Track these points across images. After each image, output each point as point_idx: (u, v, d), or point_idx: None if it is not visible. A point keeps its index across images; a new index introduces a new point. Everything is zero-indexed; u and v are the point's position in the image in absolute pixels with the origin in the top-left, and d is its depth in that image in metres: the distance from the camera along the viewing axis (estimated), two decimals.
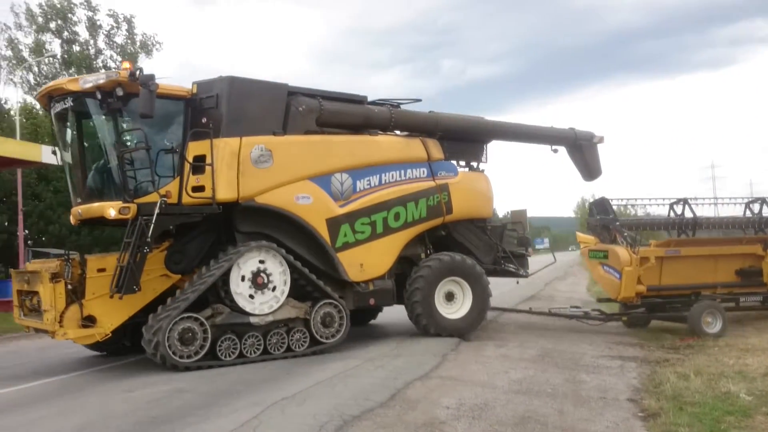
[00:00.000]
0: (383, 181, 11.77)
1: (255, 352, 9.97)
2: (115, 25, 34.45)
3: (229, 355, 9.76)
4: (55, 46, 33.48)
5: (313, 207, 10.83)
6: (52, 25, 33.30)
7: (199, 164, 10.02)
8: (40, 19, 33.00)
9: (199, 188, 10.00)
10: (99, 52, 34.13)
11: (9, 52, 33.35)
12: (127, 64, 9.67)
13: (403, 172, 12.03)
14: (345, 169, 11.32)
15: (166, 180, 9.96)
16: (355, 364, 9.37)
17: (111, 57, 34.14)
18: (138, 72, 9.40)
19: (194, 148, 10.08)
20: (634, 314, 13.91)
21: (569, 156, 15.20)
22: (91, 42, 33.91)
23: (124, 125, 10.12)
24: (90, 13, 33.69)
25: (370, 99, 12.43)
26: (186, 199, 9.94)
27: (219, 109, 10.31)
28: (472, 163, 13.56)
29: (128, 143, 10.12)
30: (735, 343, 11.35)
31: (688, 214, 14.19)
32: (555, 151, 15.00)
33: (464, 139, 13.23)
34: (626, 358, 10.41)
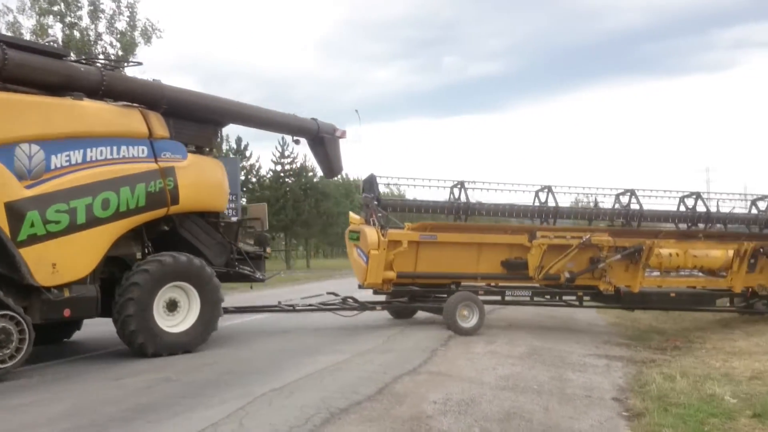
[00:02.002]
0: (89, 159, 9.49)
1: None
2: (117, 10, 34.27)
3: None
4: (56, 29, 33.27)
5: None
6: (56, 8, 33.11)
7: None
8: (43, 2, 32.79)
9: None
10: (99, 37, 33.96)
11: (10, 35, 33.13)
12: None
13: (116, 148, 9.81)
14: (35, 139, 8.92)
15: None
16: (344, 358, 9.41)
17: (111, 43, 33.98)
18: None
19: None
20: (395, 304, 13.26)
21: (311, 149, 13.84)
22: (92, 27, 33.74)
23: None
24: None
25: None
26: None
27: None
28: (204, 148, 11.48)
29: None
30: (722, 346, 11.44)
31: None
32: (297, 141, 13.51)
33: (196, 118, 11.17)
34: (613, 357, 10.48)
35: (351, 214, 14.48)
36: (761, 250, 13.79)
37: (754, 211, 15.10)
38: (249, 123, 12.67)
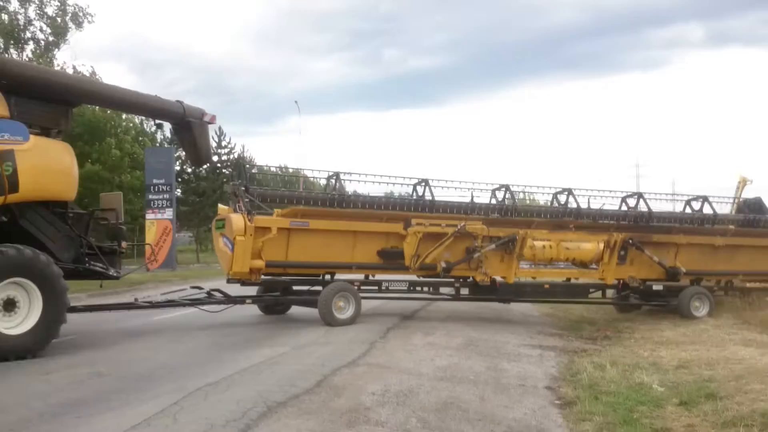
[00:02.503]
0: None
1: None
2: None
3: None
4: None
5: None
6: None
7: None
8: None
9: None
10: (29, 22, 32.59)
11: None
12: None
13: None
14: None
15: None
16: (282, 351, 9.34)
17: (41, 29, 32.67)
18: None
19: None
20: (267, 297, 12.82)
21: (176, 135, 13.02)
22: (21, 12, 32.36)
23: None
24: None
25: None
26: None
27: None
28: (51, 129, 10.41)
29: None
30: (650, 336, 11.86)
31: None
32: (159, 126, 12.69)
33: (42, 97, 10.12)
34: (546, 347, 10.75)
35: (220, 205, 13.65)
36: (630, 241, 13.83)
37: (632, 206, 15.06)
38: (103, 103, 11.78)
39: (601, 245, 13.80)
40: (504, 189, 14.21)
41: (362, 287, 12.60)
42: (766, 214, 16.08)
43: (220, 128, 44.41)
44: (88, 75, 35.13)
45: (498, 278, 13.29)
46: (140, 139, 38.70)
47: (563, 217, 14.56)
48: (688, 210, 15.48)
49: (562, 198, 14.74)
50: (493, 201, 14.15)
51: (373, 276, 12.97)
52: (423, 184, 13.58)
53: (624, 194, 15.21)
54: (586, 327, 13.37)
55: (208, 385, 7.17)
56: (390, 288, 12.92)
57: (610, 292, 14.65)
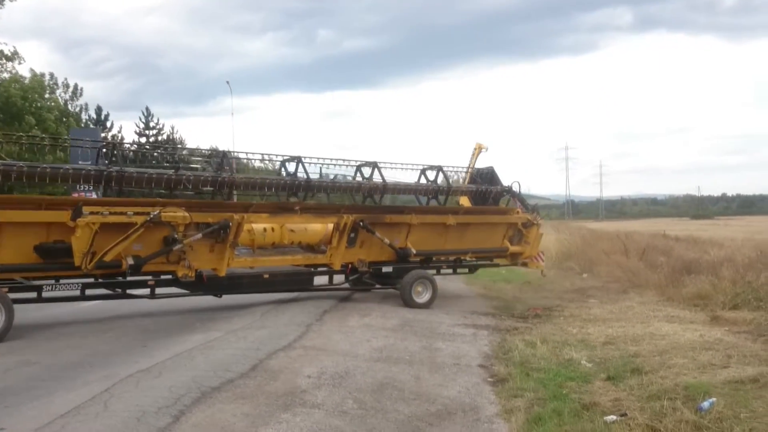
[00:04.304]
0: None
1: None
2: None
3: None
4: None
5: None
6: None
7: None
8: None
9: None
10: None
11: None
12: None
13: None
14: None
15: None
16: (216, 336, 9.22)
17: None
18: None
19: None
20: None
21: None
22: None
23: None
24: None
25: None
26: None
27: None
28: None
29: None
30: (579, 313, 12.25)
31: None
32: None
33: None
34: (479, 326, 10.96)
35: None
36: (361, 223, 12.72)
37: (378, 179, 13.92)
38: None
39: (330, 227, 12.67)
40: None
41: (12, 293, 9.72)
42: (498, 185, 15.77)
43: (147, 109, 43.19)
44: (9, 54, 33.50)
45: (207, 271, 11.36)
46: (64, 119, 37.21)
47: (292, 191, 13.23)
48: (423, 180, 14.66)
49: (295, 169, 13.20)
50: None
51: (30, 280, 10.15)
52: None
53: (358, 163, 14.08)
54: (518, 306, 13.70)
55: (140, 372, 7.02)
56: (57, 290, 10.27)
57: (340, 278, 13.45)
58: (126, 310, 11.86)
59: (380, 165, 13.97)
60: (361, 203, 14.01)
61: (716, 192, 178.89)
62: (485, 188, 15.55)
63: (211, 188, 12.34)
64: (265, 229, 12.05)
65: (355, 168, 14.07)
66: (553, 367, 7.82)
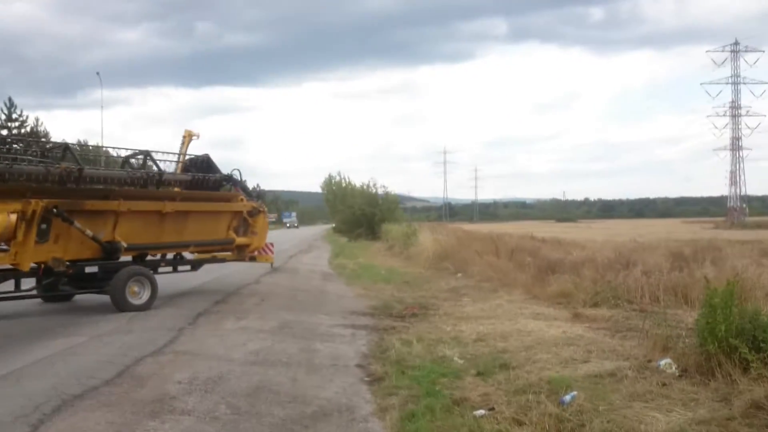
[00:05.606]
0: None
1: None
2: None
3: None
4: None
5: None
6: None
7: None
8: None
9: None
10: None
11: None
12: None
13: None
14: None
15: None
16: (80, 341, 8.73)
17: None
18: None
19: None
20: None
21: None
22: None
23: None
24: None
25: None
26: None
27: None
28: None
29: None
30: (453, 312, 12.57)
31: None
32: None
33: None
34: (358, 326, 11.02)
35: None
36: (55, 210, 10.45)
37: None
38: None
39: (14, 217, 10.08)
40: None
41: None
42: (216, 173, 14.61)
43: (9, 99, 40.26)
44: None
45: None
46: None
47: None
48: (129, 169, 13.08)
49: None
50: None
51: None
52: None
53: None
54: (396, 306, 13.88)
55: None
56: None
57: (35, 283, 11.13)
58: None
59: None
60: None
61: (580, 196, 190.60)
62: (202, 176, 14.11)
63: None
64: None
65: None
66: (428, 364, 7.97)
